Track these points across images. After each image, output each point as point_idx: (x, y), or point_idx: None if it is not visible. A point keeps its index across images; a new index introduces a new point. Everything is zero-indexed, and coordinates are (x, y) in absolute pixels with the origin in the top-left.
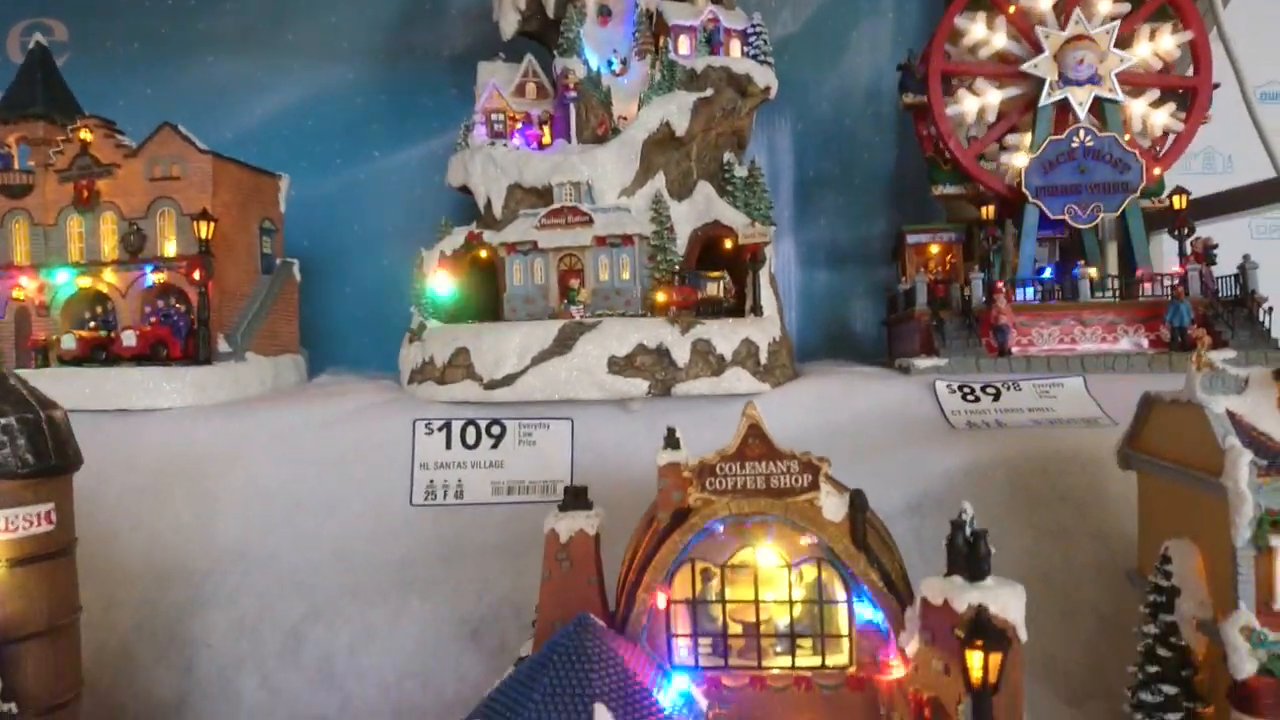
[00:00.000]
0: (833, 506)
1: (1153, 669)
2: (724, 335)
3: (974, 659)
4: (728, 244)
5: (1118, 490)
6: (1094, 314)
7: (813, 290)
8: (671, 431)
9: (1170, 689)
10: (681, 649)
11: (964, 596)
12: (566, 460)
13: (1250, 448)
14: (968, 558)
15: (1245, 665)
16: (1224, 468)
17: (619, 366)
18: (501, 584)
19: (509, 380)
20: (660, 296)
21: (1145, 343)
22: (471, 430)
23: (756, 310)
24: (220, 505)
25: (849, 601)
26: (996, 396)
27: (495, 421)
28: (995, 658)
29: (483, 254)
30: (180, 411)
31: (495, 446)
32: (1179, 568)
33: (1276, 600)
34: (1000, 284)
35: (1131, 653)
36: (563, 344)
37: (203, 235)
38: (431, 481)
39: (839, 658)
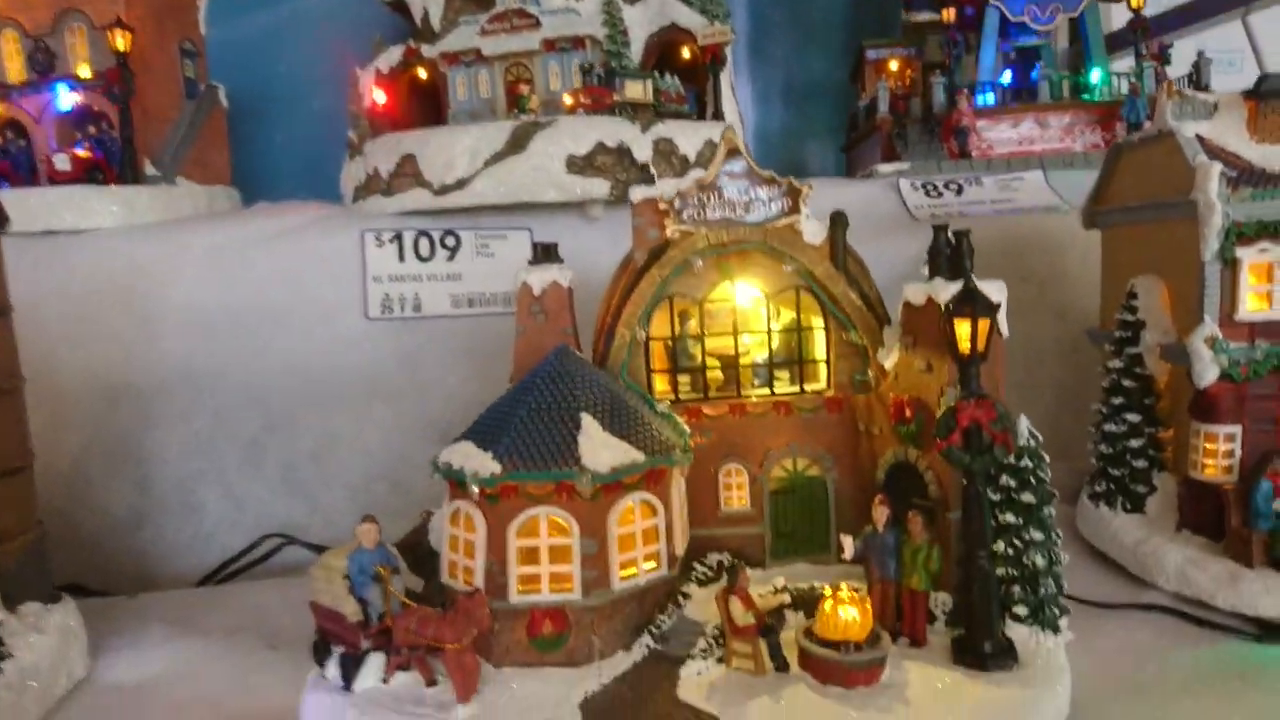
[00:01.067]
0: (813, 230)
1: (1118, 400)
2: (686, 135)
3: (963, 328)
4: (685, 53)
5: (1076, 270)
6: (1053, 115)
7: (768, 131)
8: (645, 168)
9: (1134, 416)
10: (660, 384)
11: (948, 289)
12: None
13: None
14: (950, 257)
15: (1208, 373)
16: (1194, 183)
17: (578, 167)
18: (467, 390)
19: (461, 184)
20: (567, 99)
21: (1102, 142)
22: (425, 242)
23: (717, 115)
24: (163, 324)
25: (827, 326)
26: (959, 191)
27: (449, 232)
28: (983, 323)
29: (422, 73)
30: (111, 232)
31: (452, 259)
32: (1145, 302)
33: (1238, 311)
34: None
35: (1088, 419)
36: (516, 144)
37: (119, 47)
38: (387, 295)
39: (817, 384)
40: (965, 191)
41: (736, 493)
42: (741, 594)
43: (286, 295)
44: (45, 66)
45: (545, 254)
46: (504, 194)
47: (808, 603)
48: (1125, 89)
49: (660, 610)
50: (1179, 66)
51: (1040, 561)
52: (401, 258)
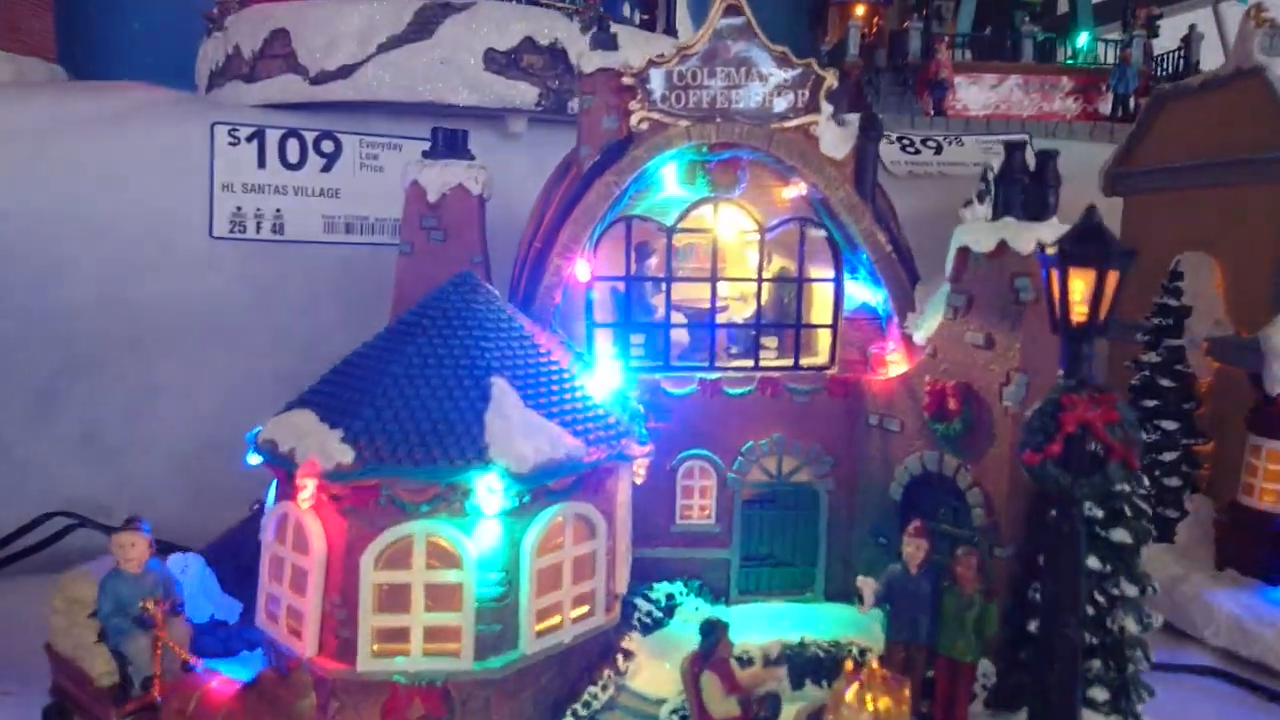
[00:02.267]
0: (834, 138)
1: (1150, 403)
2: (634, 46)
3: (1081, 284)
4: None
5: None
6: (1037, 76)
7: None
8: (605, 24)
9: (1169, 424)
10: (603, 343)
11: (1030, 235)
12: None
13: None
14: (1029, 190)
15: None
16: None
17: (499, 65)
18: (339, 339)
19: (345, 72)
20: None
21: (1083, 111)
22: (294, 144)
23: (670, 32)
24: None
25: (838, 278)
26: (938, 150)
27: (327, 135)
28: (1112, 278)
29: None
30: None
31: (327, 169)
32: (1192, 285)
33: None
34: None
35: None
36: (422, 27)
37: None
38: (239, 209)
39: (817, 358)
40: (944, 151)
41: (699, 500)
42: (721, 669)
43: (105, 200)
44: None
45: (449, 145)
46: (401, 89)
47: (801, 667)
48: (1114, 58)
49: (592, 679)
50: (1166, 40)
51: (1131, 627)
52: (262, 162)
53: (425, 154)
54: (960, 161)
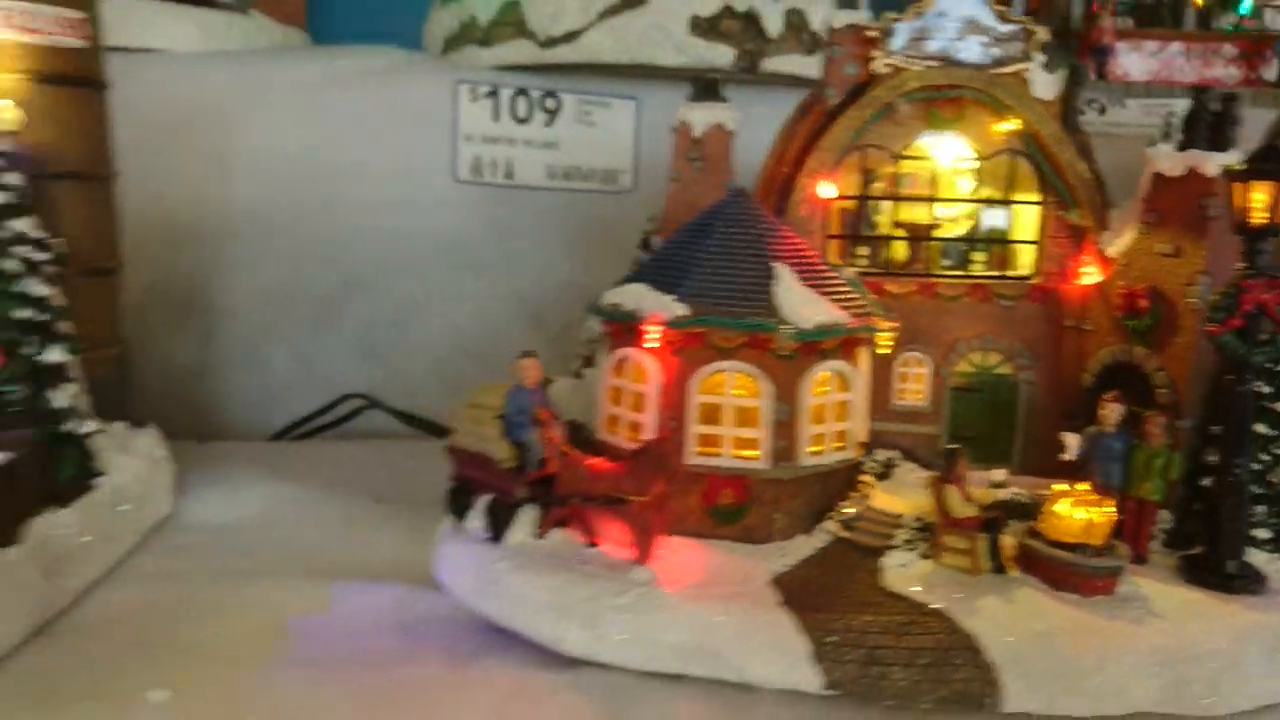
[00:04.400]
0: (1045, 83)
1: None
2: (818, 9)
3: (1261, 194)
4: None
5: None
6: (1199, 43)
7: None
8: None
9: None
10: (832, 253)
11: (1216, 161)
12: (629, 146)
13: None
14: (1214, 126)
15: None
16: None
17: (702, 29)
18: (563, 269)
19: (570, 37)
20: None
21: (1245, 78)
22: (523, 101)
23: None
24: (235, 163)
25: (1042, 202)
26: (1102, 111)
27: (550, 93)
28: None
29: None
30: (185, 57)
31: (550, 123)
32: None
33: None
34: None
35: None
36: None
37: None
38: (478, 157)
39: (1020, 270)
40: (1108, 112)
41: (913, 385)
42: (959, 483)
43: (370, 145)
44: None
45: (708, 91)
46: (619, 51)
47: (1013, 511)
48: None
49: (844, 497)
50: None
51: None
52: (496, 116)
53: (690, 98)
54: (1123, 123)
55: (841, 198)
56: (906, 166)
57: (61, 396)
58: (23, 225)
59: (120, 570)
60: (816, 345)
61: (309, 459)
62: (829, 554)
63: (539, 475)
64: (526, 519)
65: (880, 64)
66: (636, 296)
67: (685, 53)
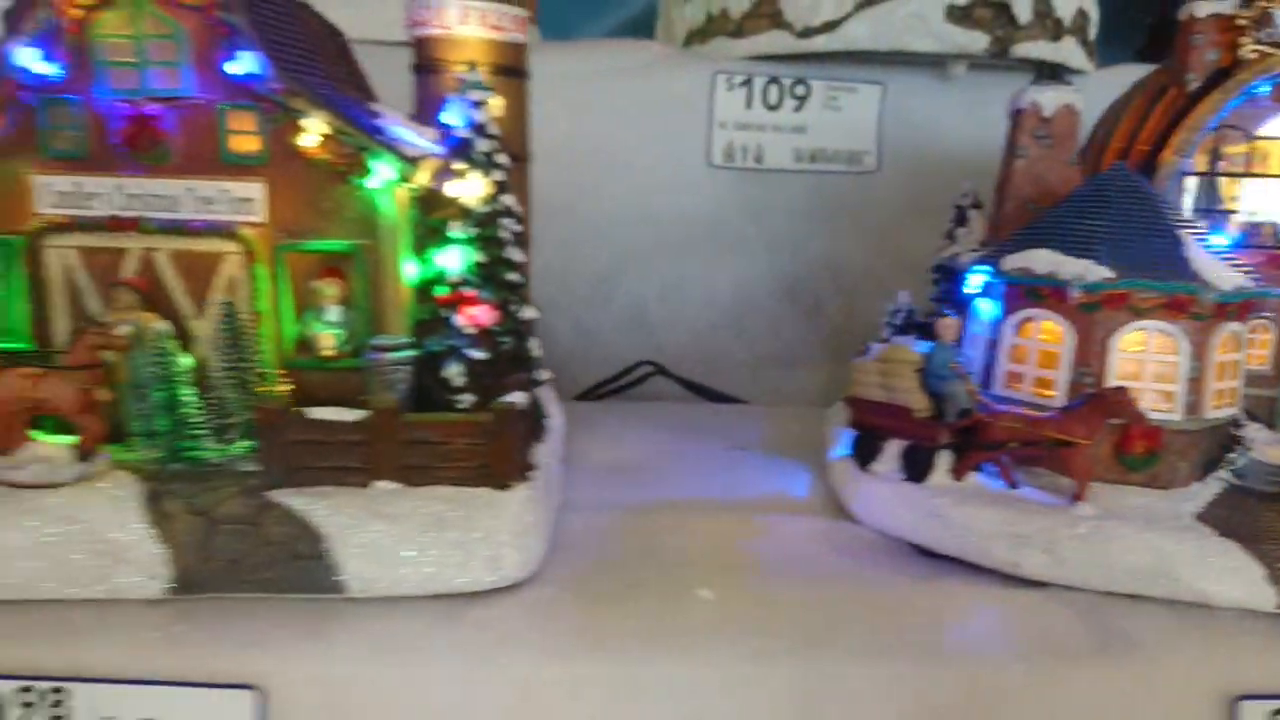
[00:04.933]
0: None
1: None
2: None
3: None
4: None
5: None
6: None
7: None
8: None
9: None
10: None
11: None
12: (873, 130)
13: None
14: None
15: None
16: None
17: (957, 16)
18: (814, 246)
19: (829, 27)
20: None
21: None
22: (774, 89)
23: None
24: None
25: None
26: None
27: (800, 81)
28: None
29: None
30: None
31: (799, 109)
32: None
33: None
34: None
35: None
36: None
37: None
38: (730, 143)
39: None
40: None
41: (1258, 350)
42: None
43: (632, 133)
44: None
45: (1053, 74)
46: (878, 39)
47: None
48: None
49: (1230, 449)
50: None
51: None
52: (749, 104)
53: (1034, 81)
54: None
55: (1193, 173)
56: (1263, 145)
57: (534, 347)
58: (509, 200)
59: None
60: (1226, 307)
61: (637, 416)
62: (1230, 499)
63: (963, 424)
64: (944, 463)
65: (1248, 50)
66: (1051, 261)
67: (941, 39)
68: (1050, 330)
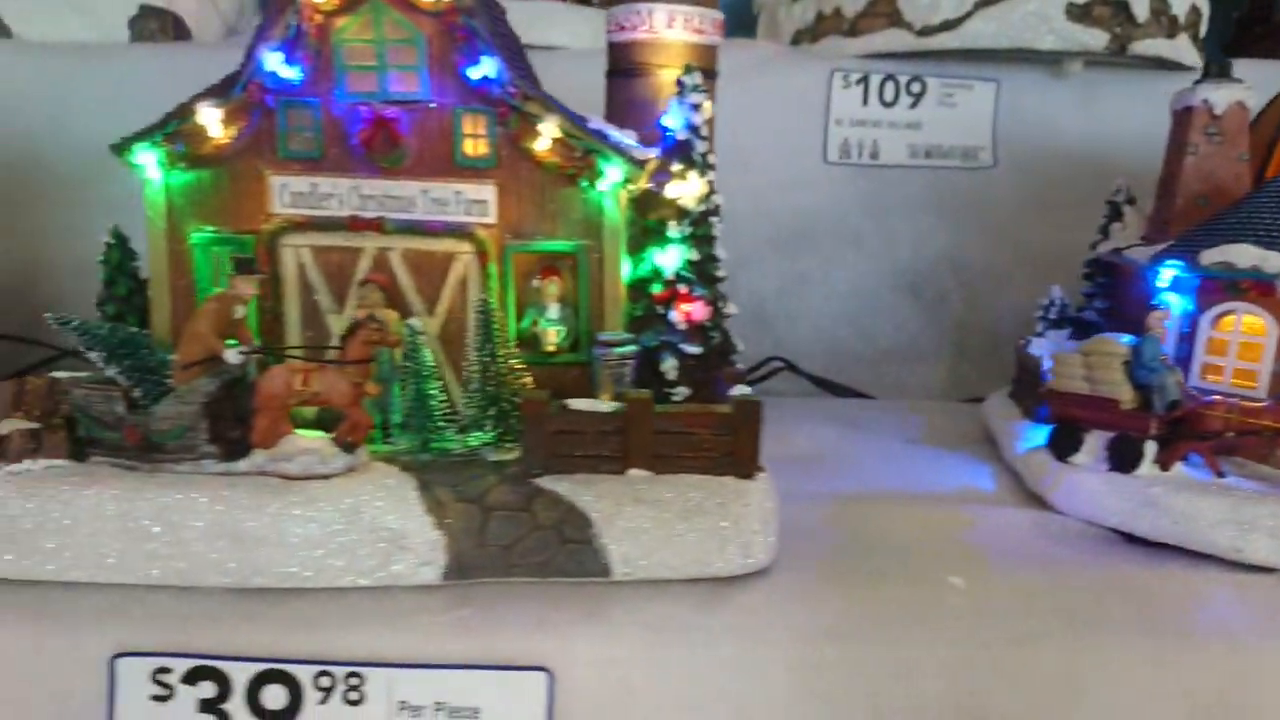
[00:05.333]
0: None
1: None
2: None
3: None
4: None
5: None
6: None
7: None
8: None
9: None
10: None
11: None
12: (988, 126)
13: None
14: None
15: None
16: None
17: (1076, 14)
18: (936, 241)
19: (949, 25)
20: None
21: None
22: (890, 86)
23: None
24: None
25: None
26: None
27: (916, 78)
28: None
29: None
30: (578, 53)
31: (914, 106)
32: None
33: None
34: None
35: None
36: None
37: None
38: (846, 140)
39: None
40: None
41: None
42: None
43: (748, 131)
44: None
45: (1221, 72)
46: (1000, 37)
47: None
48: None
49: None
50: None
51: None
52: (865, 101)
53: (1199, 80)
54: None
55: None
56: None
57: (738, 342)
58: (719, 199)
59: None
60: None
61: (787, 410)
62: None
63: (1177, 415)
64: (1150, 453)
65: None
66: (1254, 256)
67: (1062, 37)
68: (1252, 323)
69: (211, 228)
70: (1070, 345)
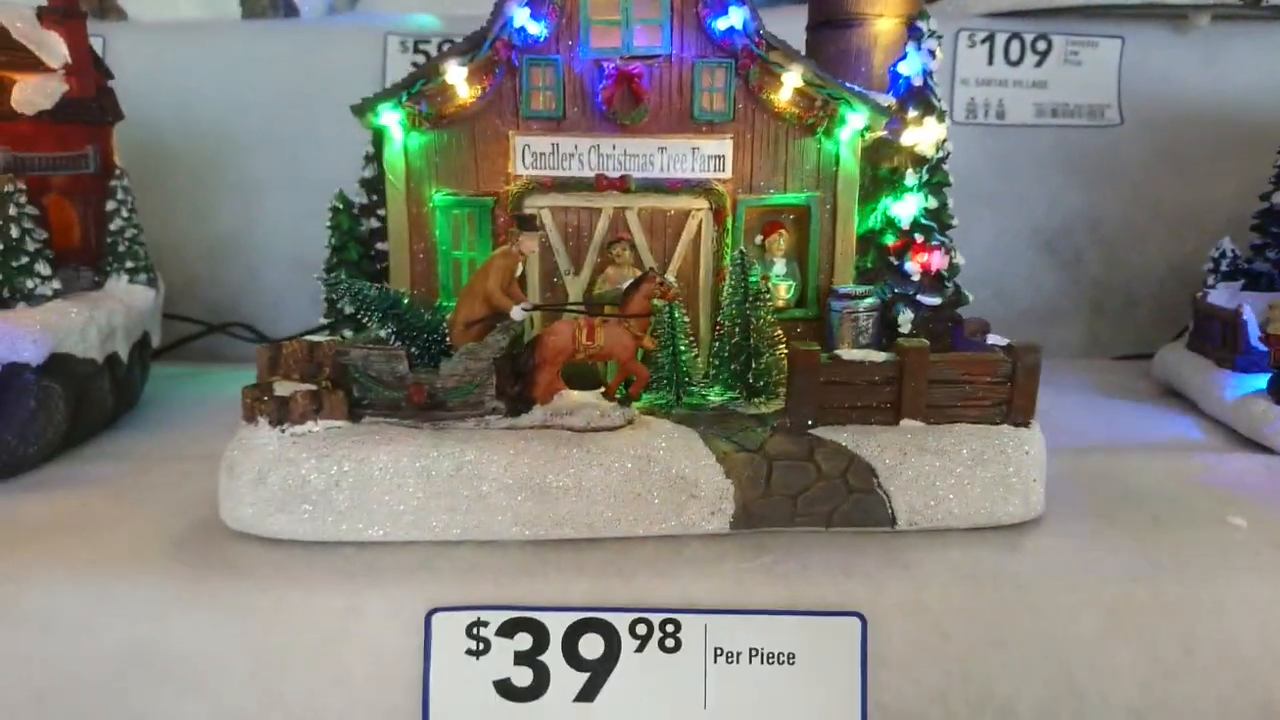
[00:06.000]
0: None
1: None
2: None
3: None
4: None
5: None
6: None
7: None
8: None
9: None
10: None
11: None
12: (1113, 84)
13: None
14: None
15: None
16: None
17: None
18: (1070, 200)
19: None
20: None
21: None
22: (1015, 45)
23: None
24: None
25: None
26: None
27: (1041, 36)
28: None
29: None
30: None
31: (1040, 64)
32: None
33: None
34: None
35: None
36: None
37: None
38: (972, 99)
39: None
40: None
41: None
42: None
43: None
44: None
45: None
46: None
47: None
48: None
49: None
50: None
51: None
52: (990, 60)
53: None
54: None
55: None
56: None
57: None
58: (950, 146)
59: None
60: None
61: None
62: None
63: None
64: None
65: None
66: None
67: None
68: None
69: (450, 190)
70: (1248, 296)
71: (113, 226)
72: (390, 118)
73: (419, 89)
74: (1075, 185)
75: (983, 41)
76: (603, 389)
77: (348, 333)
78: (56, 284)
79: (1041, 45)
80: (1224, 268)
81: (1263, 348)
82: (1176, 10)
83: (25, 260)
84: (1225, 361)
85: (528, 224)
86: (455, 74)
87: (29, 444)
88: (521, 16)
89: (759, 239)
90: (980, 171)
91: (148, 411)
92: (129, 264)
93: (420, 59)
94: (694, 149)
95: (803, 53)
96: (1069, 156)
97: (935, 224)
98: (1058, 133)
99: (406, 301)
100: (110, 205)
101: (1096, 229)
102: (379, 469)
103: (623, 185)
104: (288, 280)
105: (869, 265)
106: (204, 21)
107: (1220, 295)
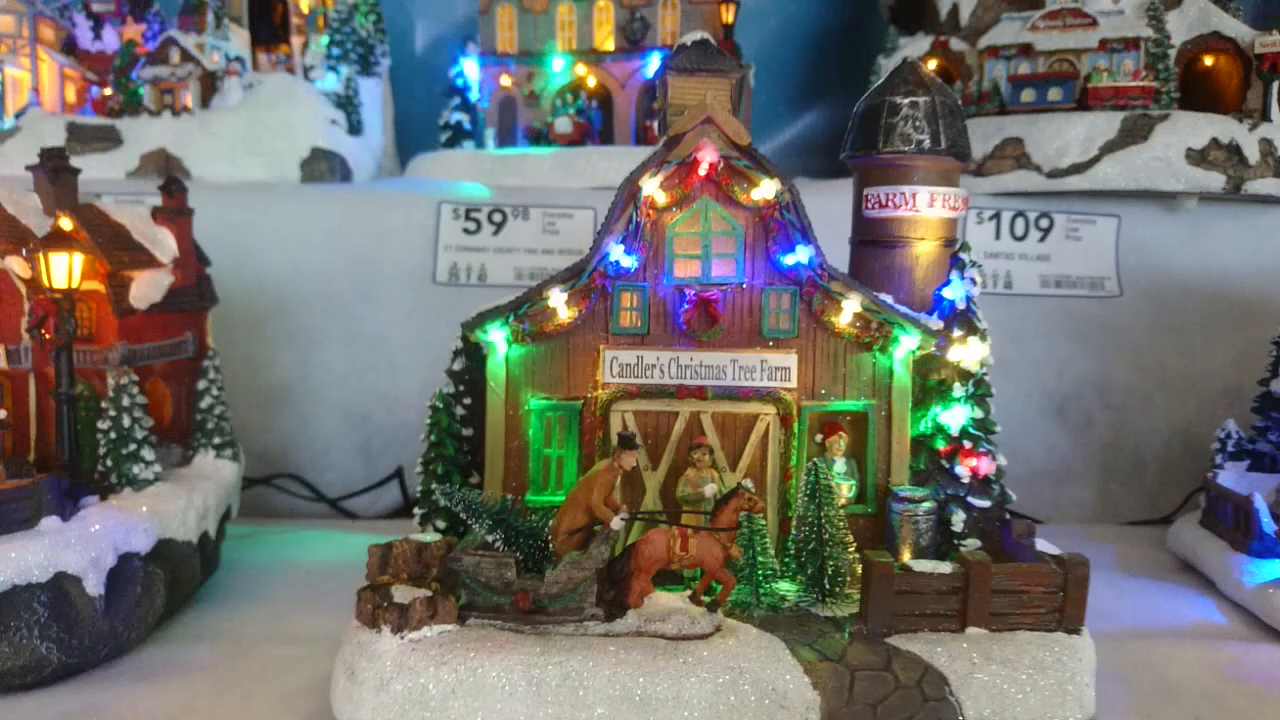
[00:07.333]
0: None
1: None
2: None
3: None
4: (1209, 61)
5: None
6: None
7: None
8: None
9: None
10: None
11: None
12: (1111, 257)
13: None
14: None
15: None
16: None
17: (1194, 158)
18: (1078, 365)
19: (1078, 169)
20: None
21: None
22: (1020, 221)
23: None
24: None
25: None
26: None
27: (1044, 214)
28: None
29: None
30: None
31: (1043, 239)
32: None
33: None
34: None
35: None
36: (1133, 134)
37: (727, 20)
38: (981, 270)
39: None
40: None
41: None
42: None
43: None
44: (638, 36)
45: None
46: (1128, 179)
47: None
48: None
49: None
50: None
51: None
52: (998, 235)
53: None
54: None
55: None
56: None
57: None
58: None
59: None
60: None
61: None
62: None
63: None
64: None
65: None
66: None
67: (1183, 179)
68: None
69: (544, 394)
70: (1255, 478)
71: (203, 404)
72: (497, 335)
73: (525, 310)
74: (1082, 352)
75: (990, 218)
76: (689, 592)
77: (440, 524)
78: (158, 467)
79: (1044, 222)
80: (1229, 448)
81: (1275, 537)
82: (1168, 194)
83: (133, 448)
84: (1240, 545)
85: (628, 443)
86: (558, 299)
87: (132, 629)
88: (617, 252)
89: (819, 438)
90: (993, 338)
91: (225, 578)
92: (216, 440)
93: (471, 225)
94: (763, 361)
95: (847, 266)
96: (1074, 325)
97: (981, 432)
98: (1062, 302)
99: (511, 508)
100: (201, 384)
101: (1104, 394)
102: (493, 676)
103: (701, 394)
104: (336, 429)
105: (921, 466)
106: (267, 183)
107: (1229, 477)
